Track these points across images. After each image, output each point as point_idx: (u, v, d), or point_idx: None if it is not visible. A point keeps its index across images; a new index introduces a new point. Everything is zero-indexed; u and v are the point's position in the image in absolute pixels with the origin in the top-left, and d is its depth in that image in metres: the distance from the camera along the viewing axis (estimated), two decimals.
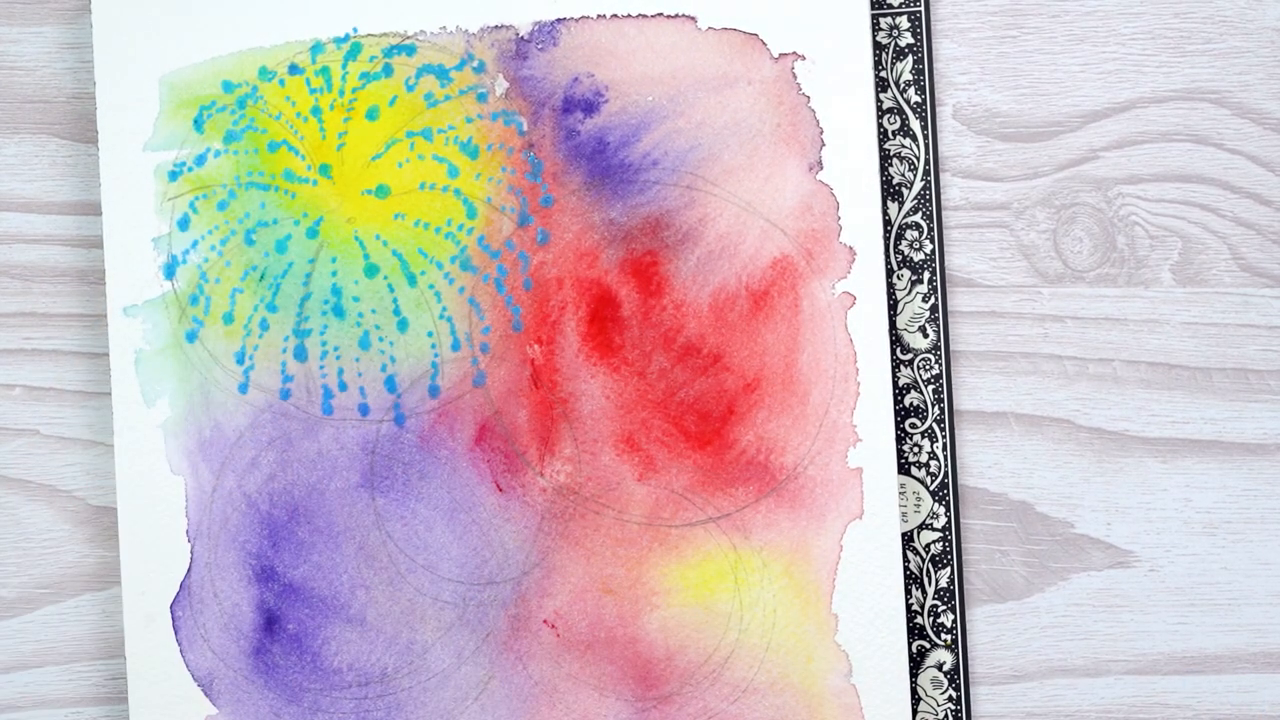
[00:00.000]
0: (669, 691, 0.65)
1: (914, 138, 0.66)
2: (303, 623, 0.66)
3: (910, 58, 0.66)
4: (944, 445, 0.66)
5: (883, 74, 0.66)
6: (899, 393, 0.66)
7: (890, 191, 0.66)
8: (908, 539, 0.66)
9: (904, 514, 0.66)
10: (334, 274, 0.66)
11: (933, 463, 0.66)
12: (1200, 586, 0.66)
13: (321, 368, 0.66)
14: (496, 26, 0.66)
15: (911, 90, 0.66)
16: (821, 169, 0.64)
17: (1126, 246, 0.66)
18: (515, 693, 0.65)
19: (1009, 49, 0.67)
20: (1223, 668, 0.66)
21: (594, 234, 0.65)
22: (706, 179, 0.65)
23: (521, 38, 0.65)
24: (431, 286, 0.65)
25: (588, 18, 0.65)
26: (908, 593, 0.65)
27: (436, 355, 0.65)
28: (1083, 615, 0.66)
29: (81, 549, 0.68)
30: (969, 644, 0.66)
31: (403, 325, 0.65)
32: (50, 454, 0.68)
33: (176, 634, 0.66)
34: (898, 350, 0.66)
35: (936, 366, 0.66)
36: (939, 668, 0.65)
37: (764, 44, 0.65)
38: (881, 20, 0.66)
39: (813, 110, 0.64)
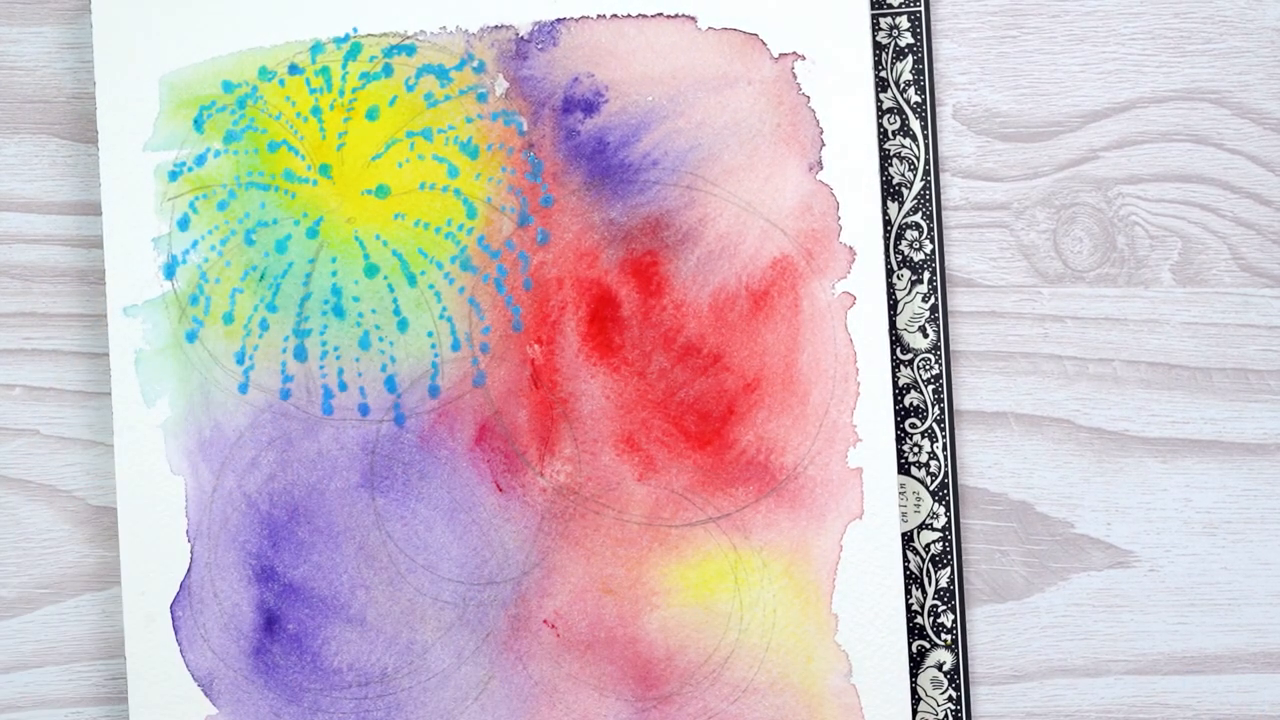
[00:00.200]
0: (669, 691, 0.65)
1: (914, 138, 0.66)
2: (303, 623, 0.66)
3: (910, 58, 0.66)
4: (944, 445, 0.66)
5: (883, 74, 0.66)
6: (899, 393, 0.66)
7: (890, 191, 0.66)
8: (908, 539, 0.66)
9: (904, 514, 0.66)
10: (334, 274, 0.66)
11: (933, 463, 0.66)
12: (1200, 586, 0.66)
13: (321, 368, 0.66)
14: (496, 26, 0.66)
15: (911, 90, 0.66)
16: (821, 169, 0.64)
17: (1126, 246, 0.66)
18: (515, 693, 0.65)
19: (1009, 49, 0.67)
20: (1223, 668, 0.66)
21: (594, 234, 0.65)
22: (706, 179, 0.65)
23: (521, 38, 0.65)
24: (431, 286, 0.65)
25: (588, 18, 0.65)
26: (908, 593, 0.65)
27: (436, 355, 0.65)
28: (1083, 615, 0.66)
29: (81, 549, 0.68)
30: (969, 644, 0.66)
31: (403, 325, 0.65)
32: (50, 454, 0.68)
33: (176, 634, 0.66)
34: (898, 350, 0.66)
35: (936, 366, 0.66)
36: (939, 668, 0.65)
37: (764, 44, 0.65)
38: (881, 20, 0.66)
39: (813, 110, 0.64)
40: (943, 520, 0.66)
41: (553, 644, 0.65)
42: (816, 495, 0.64)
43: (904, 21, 0.66)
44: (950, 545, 0.66)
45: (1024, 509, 0.66)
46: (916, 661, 0.65)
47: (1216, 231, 0.66)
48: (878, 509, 0.64)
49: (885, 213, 0.66)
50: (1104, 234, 0.66)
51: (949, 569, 0.66)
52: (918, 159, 0.66)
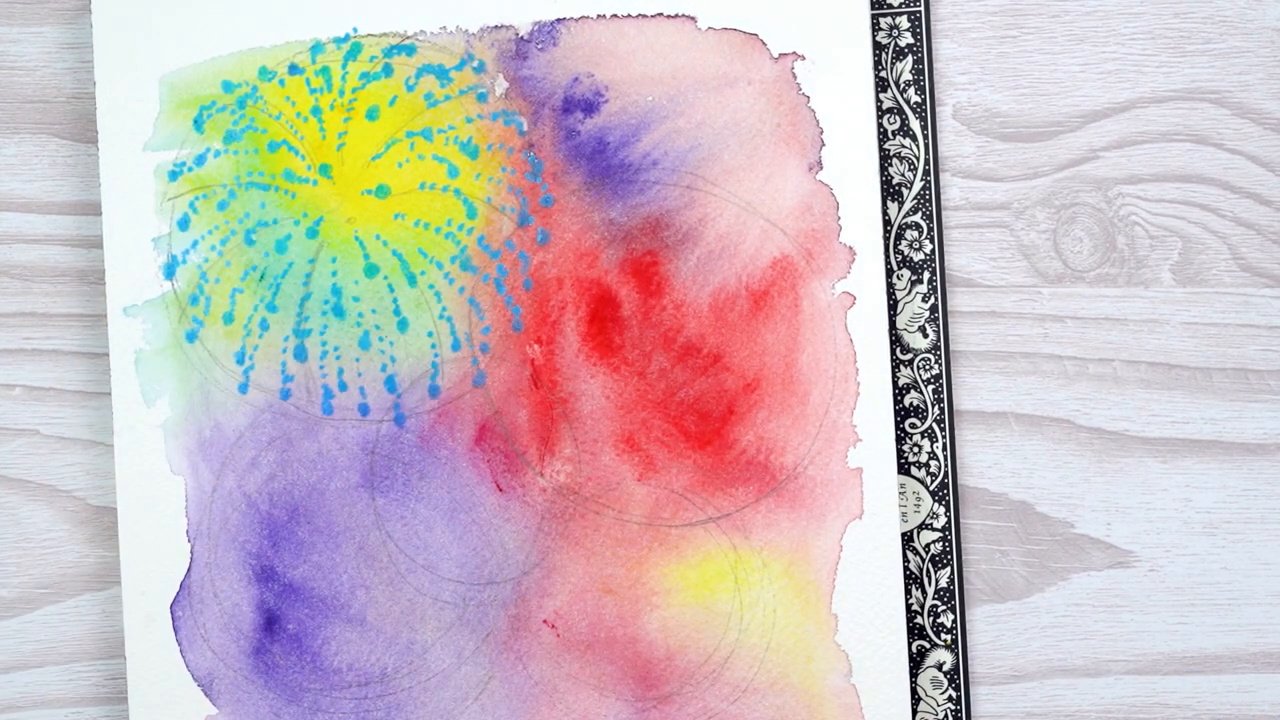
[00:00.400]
0: (669, 691, 0.65)
1: (914, 138, 0.66)
2: (303, 623, 0.66)
3: (910, 58, 0.66)
4: (944, 445, 0.66)
5: (883, 74, 0.66)
6: (899, 393, 0.66)
7: (890, 191, 0.66)
8: (908, 539, 0.66)
9: (904, 514, 0.66)
10: (334, 274, 0.66)
11: (933, 463, 0.66)
12: (1200, 586, 0.66)
13: (321, 368, 0.66)
14: (496, 26, 0.66)
15: (911, 90, 0.66)
16: (821, 169, 0.64)
17: (1126, 246, 0.66)
18: (515, 693, 0.65)
19: (1009, 49, 0.67)
20: (1223, 668, 0.66)
21: (594, 234, 0.65)
22: (706, 179, 0.65)
23: (521, 38, 0.65)
24: (431, 286, 0.65)
25: (588, 18, 0.65)
26: (908, 593, 0.65)
27: (436, 355, 0.65)
28: (1083, 615, 0.66)
29: (81, 549, 0.68)
30: (969, 644, 0.66)
31: (403, 325, 0.65)
32: (50, 454, 0.68)
33: (176, 634, 0.66)
34: (898, 350, 0.66)
35: (936, 366, 0.66)
36: (939, 668, 0.65)
37: (764, 44, 0.65)
38: (881, 20, 0.66)
39: (813, 110, 0.64)
40: (943, 520, 0.66)
41: (553, 644, 0.65)
42: (816, 495, 0.64)
43: (904, 21, 0.66)
44: (950, 545, 0.66)
45: (1024, 509, 0.66)
46: (916, 661, 0.65)
47: (1216, 231, 0.66)
48: (878, 509, 0.64)
49: (885, 213, 0.66)
50: (1104, 234, 0.66)
51: (949, 569, 0.66)
52: (918, 159, 0.66)
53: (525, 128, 0.65)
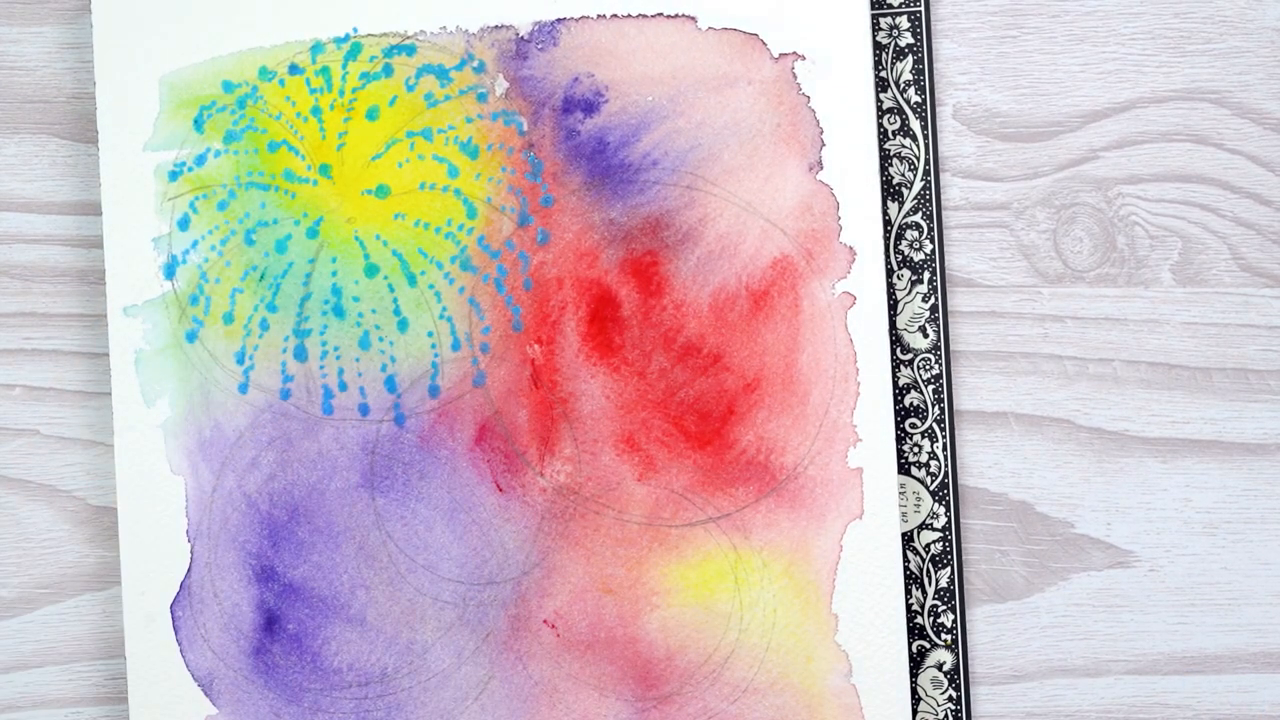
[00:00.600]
0: (669, 691, 0.65)
1: (914, 138, 0.66)
2: (303, 623, 0.66)
3: (910, 58, 0.66)
4: (944, 445, 0.66)
5: (883, 74, 0.66)
6: (899, 393, 0.66)
7: (890, 191, 0.66)
8: (908, 539, 0.66)
9: (904, 514, 0.66)
10: (334, 274, 0.66)
11: (933, 463, 0.66)
12: (1200, 586, 0.66)
13: (321, 368, 0.66)
14: (496, 26, 0.66)
15: (911, 90, 0.66)
16: (821, 169, 0.64)
17: (1126, 246, 0.66)
18: (515, 693, 0.65)
19: (1009, 49, 0.67)
20: (1223, 668, 0.66)
21: (594, 234, 0.65)
22: (706, 179, 0.65)
23: (521, 38, 0.65)
24: (431, 286, 0.65)
25: (588, 18, 0.65)
26: (908, 593, 0.65)
27: (436, 355, 0.65)
28: (1083, 615, 0.66)
29: (81, 549, 0.68)
30: (969, 644, 0.66)
31: (403, 325, 0.65)
32: (50, 454, 0.68)
33: (176, 634, 0.66)
34: (898, 350, 0.66)
35: (936, 366, 0.66)
36: (939, 668, 0.65)
37: (764, 44, 0.65)
38: (881, 20, 0.66)
39: (813, 110, 0.64)
40: (943, 520, 0.66)
41: (553, 644, 0.65)
42: (816, 495, 0.64)
43: (904, 21, 0.66)
44: (950, 545, 0.66)
45: (1024, 509, 0.66)
46: (916, 661, 0.65)
47: (1216, 231, 0.66)
48: (878, 509, 0.64)
49: (885, 213, 0.66)
50: (1104, 234, 0.66)
51: (949, 569, 0.66)
52: (918, 159, 0.66)
53: (525, 128, 0.65)
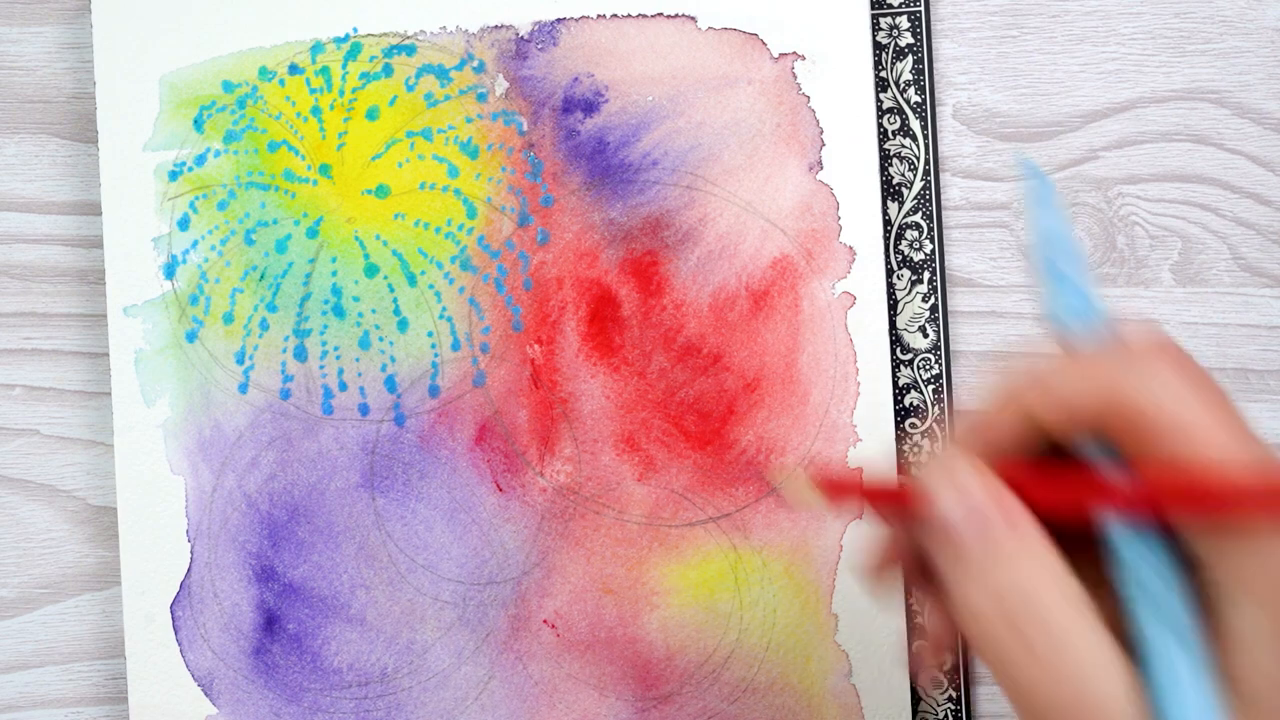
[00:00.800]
0: (669, 691, 0.65)
1: (914, 138, 0.66)
2: (303, 623, 0.66)
3: (910, 58, 0.66)
4: (944, 445, 0.66)
5: (883, 74, 0.66)
6: (899, 393, 0.66)
7: (890, 191, 0.66)
8: None
9: None
10: (334, 274, 0.66)
11: None
12: None
13: (321, 368, 0.66)
14: (496, 26, 0.66)
15: (911, 90, 0.66)
16: (821, 169, 0.64)
17: (1126, 246, 0.66)
18: (515, 693, 0.65)
19: (1009, 49, 0.67)
20: None
21: (594, 234, 0.65)
22: (706, 179, 0.65)
23: (521, 38, 0.65)
24: (431, 286, 0.65)
25: (588, 18, 0.65)
26: (908, 592, 0.65)
27: (436, 355, 0.65)
28: None
29: (81, 549, 0.68)
30: (969, 644, 0.66)
31: (403, 325, 0.65)
32: (50, 454, 0.68)
33: (176, 634, 0.66)
34: (898, 350, 0.66)
35: (936, 366, 0.66)
36: (939, 668, 0.65)
37: (764, 44, 0.65)
38: (881, 20, 0.66)
39: (813, 110, 0.64)
40: None
41: (553, 644, 0.65)
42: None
43: (904, 21, 0.66)
44: None
45: None
46: (916, 661, 0.65)
47: (1216, 231, 0.66)
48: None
49: (885, 213, 0.66)
50: (1104, 234, 0.66)
51: None
52: (918, 159, 0.66)
53: (525, 128, 0.65)
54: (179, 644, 0.66)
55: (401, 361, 0.65)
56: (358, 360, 0.65)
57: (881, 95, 0.66)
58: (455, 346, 0.65)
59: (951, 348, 0.66)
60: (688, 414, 0.65)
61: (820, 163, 0.64)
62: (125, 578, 0.66)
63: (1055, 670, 0.43)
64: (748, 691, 0.64)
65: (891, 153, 0.66)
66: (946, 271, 0.66)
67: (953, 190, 0.67)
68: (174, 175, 0.66)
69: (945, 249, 0.66)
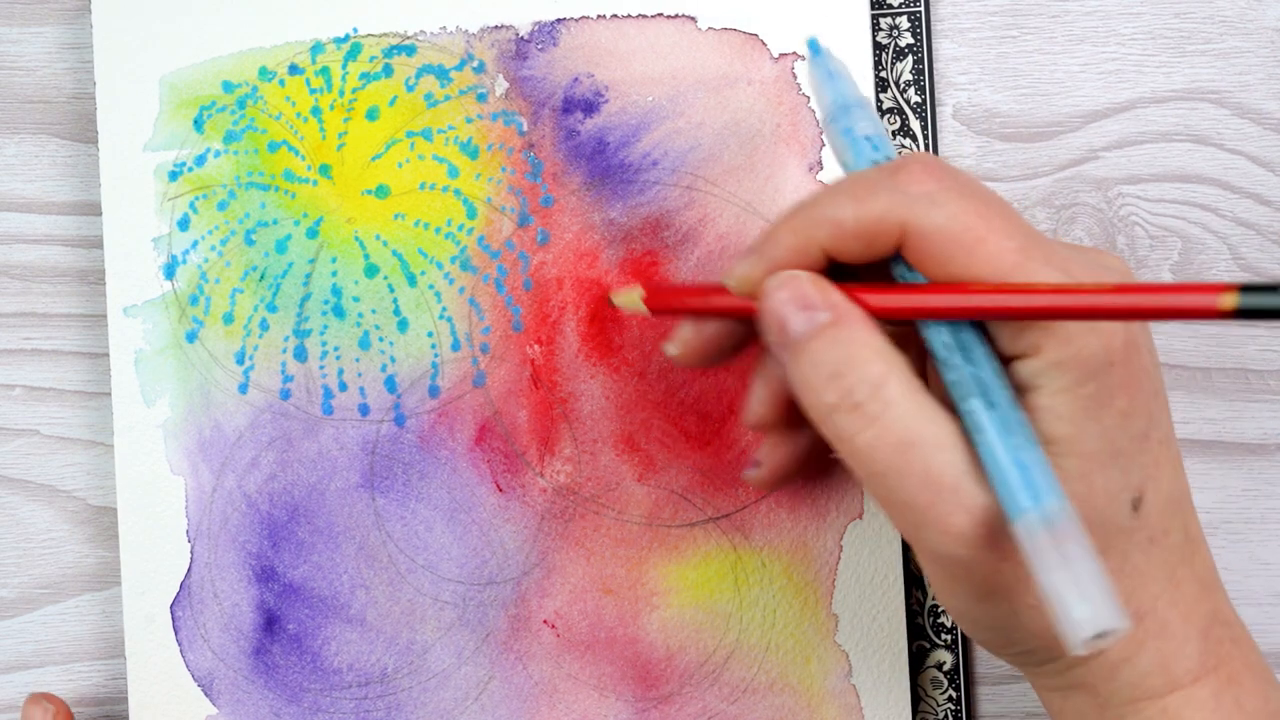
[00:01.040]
0: (669, 691, 0.65)
1: (914, 138, 0.66)
2: (303, 623, 0.66)
3: (910, 58, 0.66)
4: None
5: (883, 74, 0.66)
6: None
7: None
8: None
9: None
10: (334, 274, 0.66)
11: None
12: None
13: (321, 368, 0.66)
14: (496, 26, 0.66)
15: (911, 90, 0.66)
16: (821, 169, 0.64)
17: (1126, 246, 0.66)
18: (515, 693, 0.65)
19: (1009, 49, 0.67)
20: None
21: (594, 234, 0.65)
22: (706, 179, 0.65)
23: (521, 38, 0.65)
24: (431, 286, 0.65)
25: (588, 18, 0.65)
26: (908, 593, 0.65)
27: (436, 355, 0.65)
28: None
29: (81, 549, 0.68)
30: (969, 644, 0.66)
31: (403, 325, 0.65)
32: (50, 454, 0.68)
33: (176, 634, 0.66)
34: None
35: None
36: (939, 668, 0.65)
37: (764, 44, 0.65)
38: (881, 20, 0.66)
39: (813, 110, 0.64)
40: None
41: (553, 644, 0.65)
42: (816, 495, 0.64)
43: (904, 21, 0.66)
44: None
45: None
46: (916, 661, 0.65)
47: (1216, 231, 0.66)
48: (878, 509, 0.64)
49: None
50: (1104, 234, 0.66)
51: None
52: None
53: (525, 128, 0.65)
54: (179, 644, 0.66)
55: (401, 362, 0.65)
56: (358, 360, 0.65)
57: (881, 95, 0.66)
58: (455, 347, 0.65)
59: None
60: (688, 414, 0.65)
61: (820, 163, 0.64)
62: (125, 578, 0.66)
63: (888, 428, 0.47)
64: (748, 691, 0.64)
65: None
66: None
67: None
68: (174, 175, 0.66)
69: None
